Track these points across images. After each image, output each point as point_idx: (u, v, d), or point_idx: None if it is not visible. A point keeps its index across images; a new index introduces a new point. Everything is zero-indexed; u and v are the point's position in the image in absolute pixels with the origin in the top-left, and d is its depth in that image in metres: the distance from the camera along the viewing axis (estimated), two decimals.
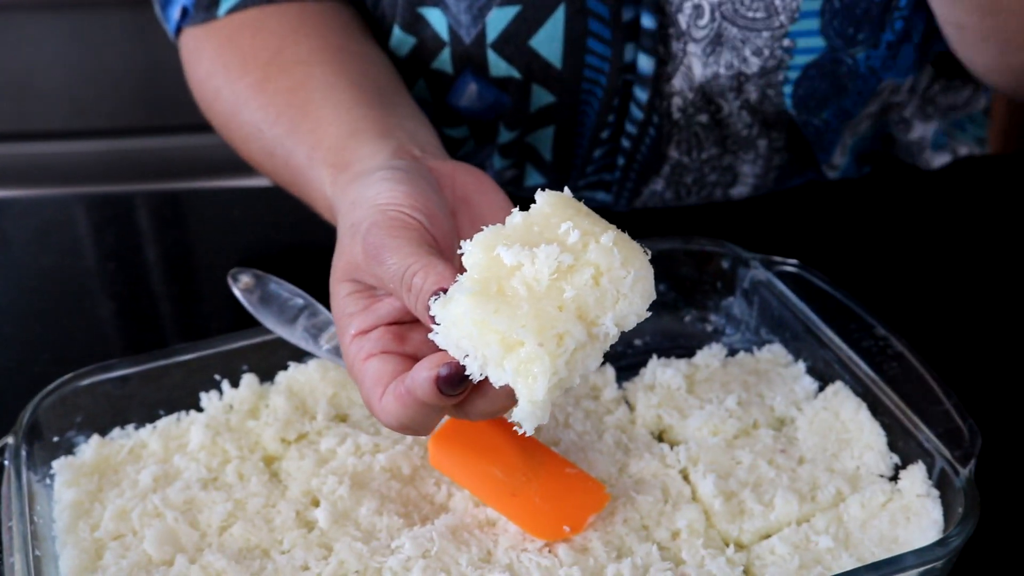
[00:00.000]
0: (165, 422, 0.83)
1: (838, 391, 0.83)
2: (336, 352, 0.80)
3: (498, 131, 1.04)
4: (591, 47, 0.96)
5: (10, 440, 0.78)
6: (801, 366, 0.88)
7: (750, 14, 0.94)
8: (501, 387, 0.62)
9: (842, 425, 0.81)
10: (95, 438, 0.81)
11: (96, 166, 1.82)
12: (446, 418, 0.75)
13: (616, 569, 0.71)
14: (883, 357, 0.83)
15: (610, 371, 0.86)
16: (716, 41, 0.95)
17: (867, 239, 1.07)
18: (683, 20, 0.95)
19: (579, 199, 0.67)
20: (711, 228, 1.02)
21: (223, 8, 0.97)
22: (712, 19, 0.95)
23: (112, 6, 1.75)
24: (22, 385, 0.90)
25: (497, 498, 0.74)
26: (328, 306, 0.75)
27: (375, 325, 0.70)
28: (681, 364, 0.87)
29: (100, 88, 1.80)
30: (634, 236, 0.65)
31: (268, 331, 0.84)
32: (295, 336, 0.83)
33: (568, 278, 0.62)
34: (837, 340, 0.85)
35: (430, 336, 0.64)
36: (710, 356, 0.88)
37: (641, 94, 0.99)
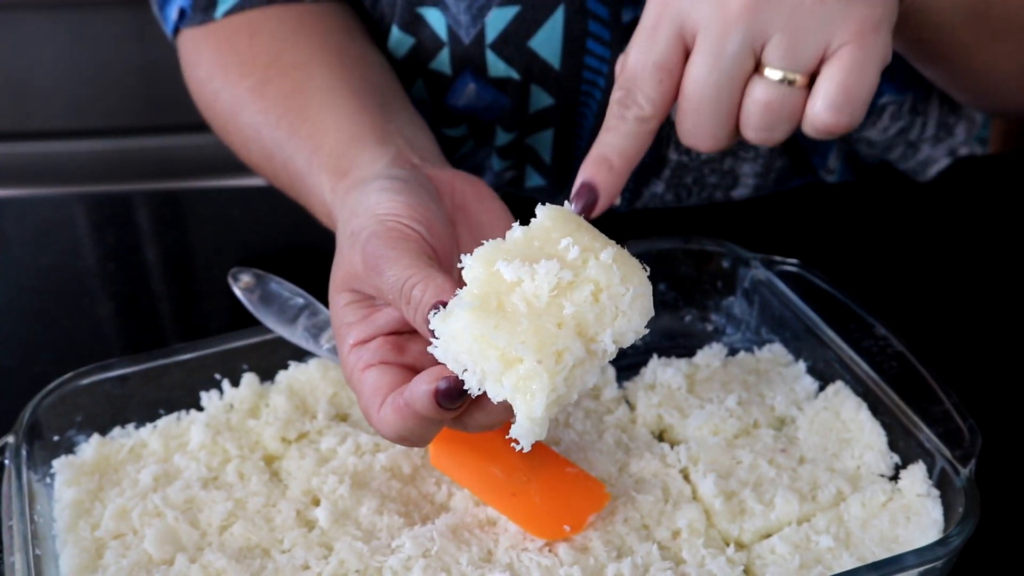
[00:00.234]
0: (165, 421, 0.83)
1: (838, 391, 0.83)
2: (337, 351, 0.80)
3: (496, 132, 1.04)
4: (590, 48, 0.96)
5: (10, 439, 0.78)
6: (801, 366, 0.88)
7: None
8: (499, 402, 0.63)
9: (842, 425, 0.82)
10: (95, 437, 0.81)
11: (95, 165, 1.82)
12: None
13: (616, 568, 0.71)
14: (883, 357, 0.83)
15: (611, 371, 0.86)
16: None
17: (867, 239, 1.07)
18: None
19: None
20: (711, 228, 1.02)
21: (220, 10, 0.96)
22: None
23: (111, 5, 1.74)
24: (22, 384, 0.90)
25: (497, 497, 0.74)
26: (328, 306, 0.75)
27: (374, 335, 0.70)
28: (681, 364, 0.87)
29: (99, 87, 1.80)
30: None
31: (268, 330, 0.84)
32: (295, 335, 0.83)
33: (568, 294, 0.63)
34: (837, 340, 0.85)
35: (429, 350, 0.64)
36: (710, 356, 0.88)
37: None
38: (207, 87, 0.97)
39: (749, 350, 0.90)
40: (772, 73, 0.69)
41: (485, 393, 0.63)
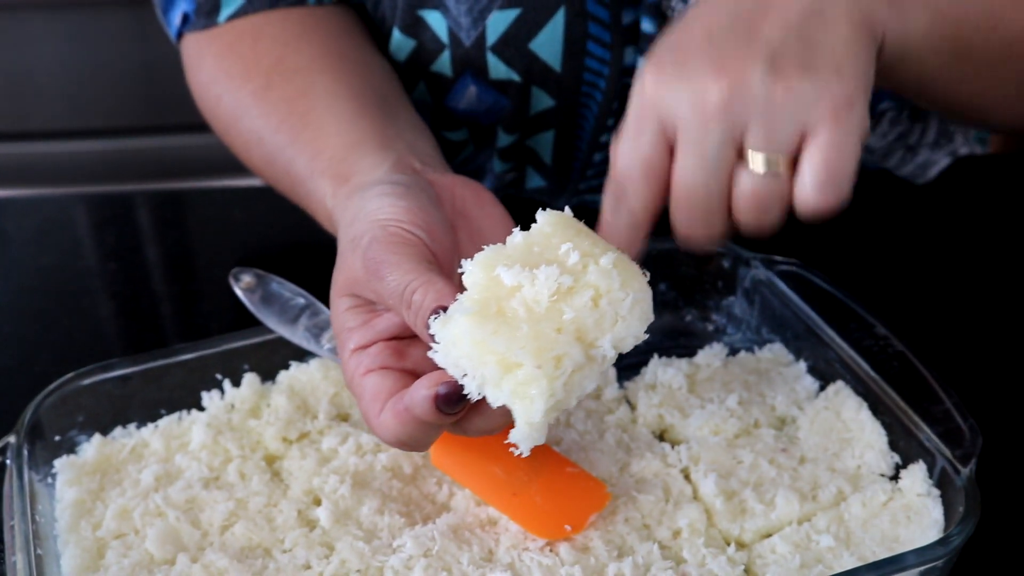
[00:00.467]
0: (166, 421, 0.83)
1: (839, 390, 0.83)
2: (337, 352, 0.80)
3: (497, 134, 1.04)
4: (591, 50, 0.96)
5: (12, 439, 0.78)
6: (802, 365, 0.88)
7: None
8: (498, 407, 0.63)
9: (843, 424, 0.82)
10: (97, 437, 0.81)
11: (96, 165, 1.82)
12: None
13: (617, 568, 0.71)
14: (884, 356, 0.83)
15: (611, 371, 0.86)
16: None
17: (867, 239, 1.07)
18: None
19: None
20: None
21: (224, 14, 0.96)
22: None
23: (112, 5, 1.75)
24: (23, 384, 0.90)
25: (498, 497, 0.74)
26: (329, 307, 0.75)
27: (374, 340, 0.70)
28: (682, 363, 0.87)
29: (100, 87, 1.80)
30: None
31: (269, 330, 0.84)
32: (296, 335, 0.83)
33: (567, 300, 0.63)
34: (838, 339, 0.85)
35: (429, 354, 0.64)
36: (711, 355, 0.88)
37: None
38: (210, 91, 0.97)
39: (750, 350, 0.90)
40: (755, 162, 0.69)
41: (485, 398, 0.63)
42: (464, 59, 0.98)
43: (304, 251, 1.08)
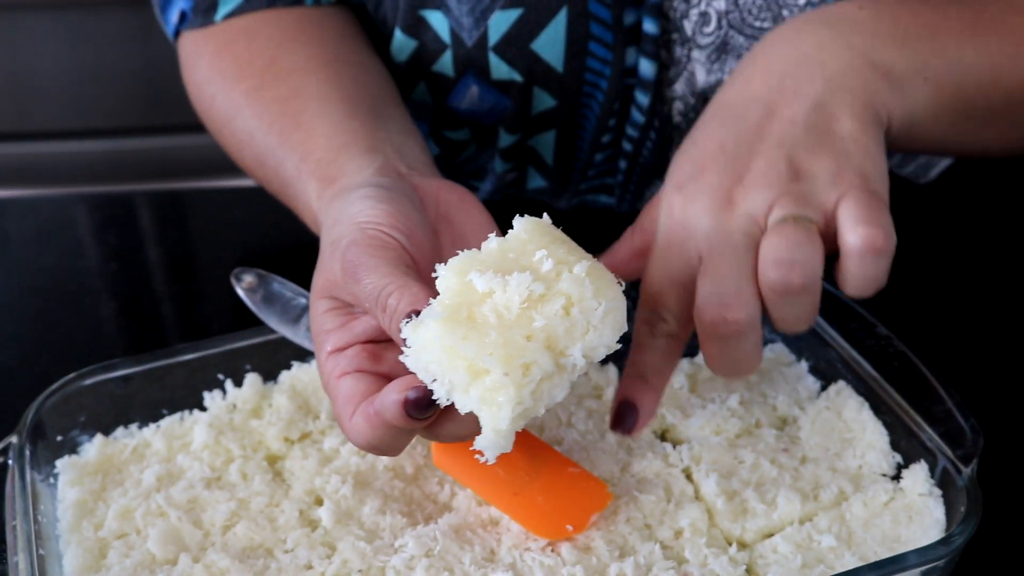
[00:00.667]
0: (168, 421, 0.83)
1: (840, 390, 0.84)
2: None
3: (499, 134, 1.05)
4: (593, 51, 0.96)
5: (14, 439, 0.78)
6: (803, 365, 0.88)
7: (757, 23, 0.94)
8: (467, 413, 0.63)
9: (844, 424, 0.82)
10: (98, 437, 0.82)
11: (98, 166, 1.82)
12: None
13: (619, 568, 0.71)
14: (885, 356, 0.83)
15: (612, 371, 0.86)
16: (722, 49, 0.95)
17: None
18: (688, 26, 0.95)
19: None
20: None
21: (221, 13, 0.97)
22: (719, 27, 0.95)
23: (113, 5, 1.74)
24: (25, 384, 0.90)
25: (500, 497, 0.74)
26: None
27: (351, 343, 0.70)
28: (684, 363, 0.87)
29: (101, 87, 1.80)
30: None
31: (271, 330, 0.84)
32: (298, 335, 0.83)
33: (539, 307, 0.62)
34: (839, 339, 0.85)
35: (400, 359, 0.64)
36: None
37: (642, 98, 0.99)
38: (204, 91, 0.97)
39: None
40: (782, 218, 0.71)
41: (455, 404, 0.63)
42: (466, 59, 0.98)
43: (305, 251, 1.07)
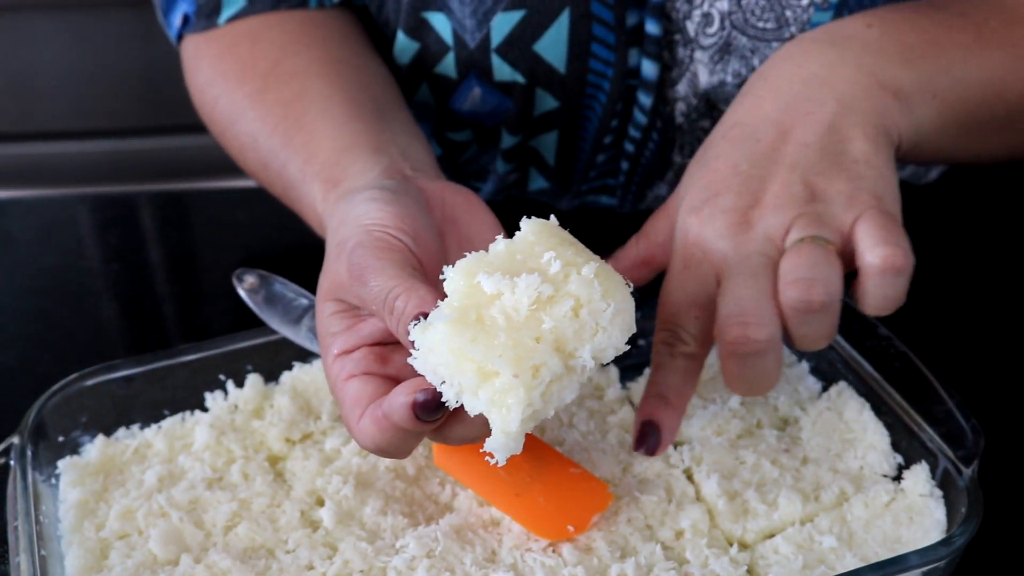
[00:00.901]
0: (170, 422, 0.83)
1: (841, 391, 0.84)
2: None
3: (501, 135, 1.05)
4: (595, 52, 0.96)
5: (15, 440, 0.78)
6: (805, 366, 0.88)
7: (760, 24, 0.94)
8: (476, 415, 0.62)
9: (845, 425, 0.82)
10: (100, 438, 0.82)
11: (99, 166, 1.82)
12: None
13: (620, 569, 0.71)
14: (886, 357, 0.83)
15: (614, 371, 0.86)
16: (725, 49, 0.95)
17: None
18: (691, 27, 0.95)
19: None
20: None
21: (224, 16, 0.97)
22: (722, 27, 0.95)
23: (115, 6, 1.75)
24: (26, 385, 0.90)
25: (501, 498, 0.74)
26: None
27: (358, 345, 0.70)
28: None
29: (103, 88, 1.80)
30: None
31: (273, 331, 0.84)
32: (300, 336, 0.83)
33: (547, 309, 0.62)
34: (840, 340, 0.85)
35: (408, 361, 0.64)
36: (714, 356, 0.88)
37: (645, 99, 0.99)
38: (207, 93, 0.97)
39: None
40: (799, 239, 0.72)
41: (463, 406, 0.63)
42: (468, 61, 0.98)
43: (307, 252, 1.07)
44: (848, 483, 0.77)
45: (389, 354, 0.70)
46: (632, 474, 0.78)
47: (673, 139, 1.04)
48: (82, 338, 1.01)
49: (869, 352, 0.83)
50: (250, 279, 0.85)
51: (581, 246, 0.66)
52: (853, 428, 0.81)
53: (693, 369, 0.75)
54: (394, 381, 0.67)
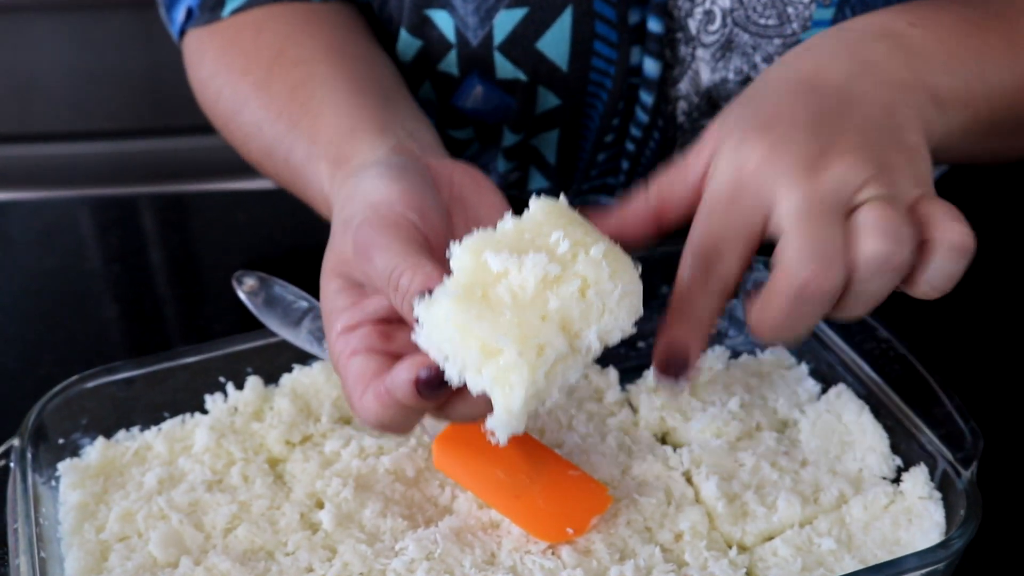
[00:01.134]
0: (170, 424, 0.84)
1: (840, 393, 0.84)
2: None
3: (503, 134, 1.05)
4: (597, 50, 0.96)
5: (15, 442, 0.78)
6: (804, 368, 0.88)
7: (762, 21, 0.94)
8: (479, 393, 0.62)
9: (844, 427, 0.82)
10: (100, 440, 0.82)
11: (100, 168, 1.82)
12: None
13: (619, 571, 0.71)
14: (885, 360, 0.83)
15: (613, 373, 0.86)
16: (726, 47, 0.95)
17: None
18: (693, 25, 0.95)
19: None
20: None
21: (228, 9, 0.97)
22: (723, 25, 0.95)
23: (116, 8, 1.75)
24: (27, 387, 0.90)
25: (500, 500, 0.74)
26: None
27: (362, 322, 0.70)
28: None
29: (104, 90, 1.80)
30: None
31: (272, 333, 0.84)
32: (299, 339, 0.83)
33: (554, 288, 0.62)
34: (840, 342, 0.85)
35: (412, 337, 0.64)
36: (713, 358, 0.88)
37: (646, 97, 0.99)
38: (210, 86, 0.97)
39: (752, 353, 0.90)
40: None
41: (466, 384, 0.62)
42: (471, 58, 0.98)
43: (307, 254, 1.07)
44: (847, 485, 0.77)
45: (393, 332, 0.69)
46: (631, 476, 0.78)
47: (674, 138, 1.04)
48: (82, 340, 1.01)
49: (868, 354, 0.83)
50: (249, 281, 0.85)
51: (590, 226, 0.65)
52: (852, 430, 0.81)
53: (720, 309, 0.71)
54: (398, 359, 0.67)
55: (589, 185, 1.09)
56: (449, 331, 0.61)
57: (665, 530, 0.75)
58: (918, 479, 0.76)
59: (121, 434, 0.83)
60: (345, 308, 0.70)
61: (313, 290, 0.84)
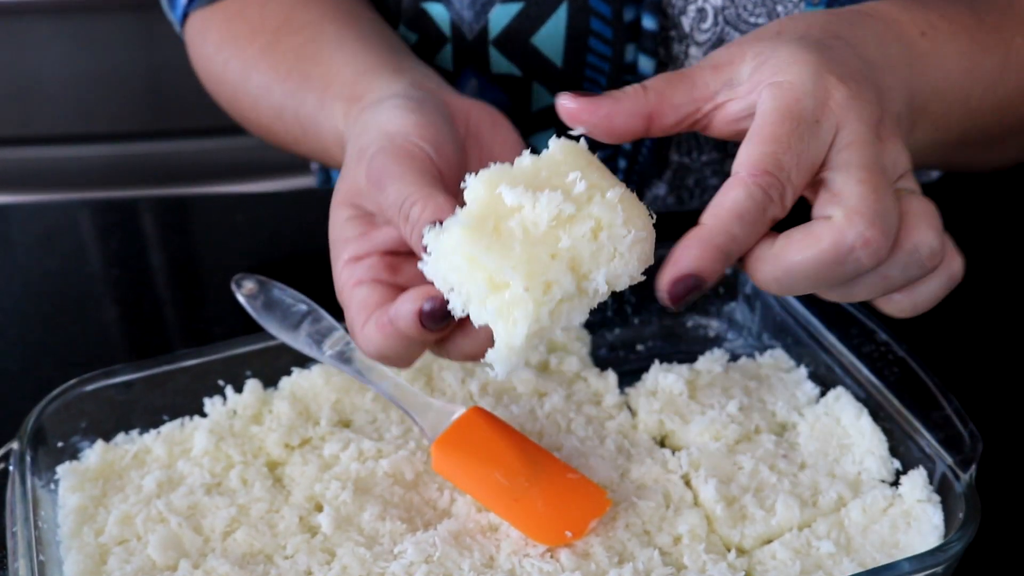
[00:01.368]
0: (169, 427, 0.84)
1: (839, 396, 0.84)
2: (339, 358, 0.80)
3: None
4: (592, 46, 0.96)
5: (15, 445, 0.78)
6: (803, 371, 0.88)
7: (753, 20, 0.94)
8: (482, 328, 0.62)
9: (843, 430, 0.82)
10: (99, 443, 0.82)
11: (100, 171, 1.82)
12: (449, 422, 0.76)
13: (618, 574, 0.71)
14: (884, 362, 0.83)
15: (612, 376, 0.86)
16: (718, 45, 0.96)
17: None
18: (686, 23, 0.95)
19: None
20: None
21: None
22: (715, 23, 0.95)
23: (117, 10, 1.75)
24: (26, 390, 0.90)
25: (499, 503, 0.74)
26: (331, 312, 0.74)
27: (369, 252, 0.69)
28: (683, 369, 0.87)
29: (105, 92, 1.80)
30: None
31: (271, 337, 0.84)
32: (298, 342, 0.83)
33: (567, 227, 0.61)
34: (839, 345, 0.85)
35: (419, 265, 0.63)
36: (712, 361, 0.88)
37: None
38: (216, 58, 0.97)
39: (750, 356, 0.90)
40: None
41: (469, 318, 0.62)
42: (466, 53, 0.98)
43: (306, 257, 1.08)
44: (846, 488, 0.77)
45: (400, 264, 0.69)
46: (630, 479, 0.78)
47: (670, 137, 1.04)
48: (82, 343, 1.01)
49: (867, 357, 0.83)
50: (248, 284, 0.85)
51: (607, 171, 0.65)
52: (851, 433, 0.81)
53: (760, 236, 0.64)
54: (403, 291, 0.67)
55: None
56: (457, 261, 0.61)
57: (664, 533, 0.75)
58: (917, 482, 0.76)
59: (120, 437, 0.83)
60: (353, 238, 0.70)
61: (312, 293, 0.84)
